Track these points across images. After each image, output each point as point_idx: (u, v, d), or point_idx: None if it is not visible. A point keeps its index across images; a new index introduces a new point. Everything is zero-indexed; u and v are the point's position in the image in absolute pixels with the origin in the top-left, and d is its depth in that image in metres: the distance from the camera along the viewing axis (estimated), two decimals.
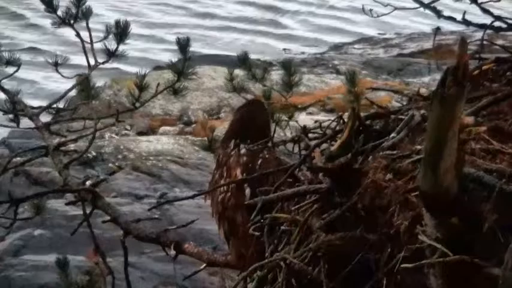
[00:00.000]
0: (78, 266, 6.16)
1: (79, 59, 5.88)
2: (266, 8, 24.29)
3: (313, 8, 24.74)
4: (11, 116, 5.54)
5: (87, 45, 5.65)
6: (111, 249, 5.49)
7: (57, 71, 5.81)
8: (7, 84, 5.67)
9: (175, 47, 5.42)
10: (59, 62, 5.78)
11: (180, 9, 24.19)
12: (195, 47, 6.10)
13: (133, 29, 5.85)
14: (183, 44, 5.37)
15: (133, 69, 7.80)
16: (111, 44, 5.66)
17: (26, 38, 20.61)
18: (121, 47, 5.67)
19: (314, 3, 25.06)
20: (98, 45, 5.67)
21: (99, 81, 7.03)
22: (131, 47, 6.04)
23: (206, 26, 22.39)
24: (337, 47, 20.60)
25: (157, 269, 8.96)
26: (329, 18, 23.59)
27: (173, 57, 5.66)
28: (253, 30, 22.21)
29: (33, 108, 5.58)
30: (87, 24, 5.70)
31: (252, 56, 5.67)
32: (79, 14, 5.66)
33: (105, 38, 5.67)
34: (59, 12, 5.70)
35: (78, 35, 5.67)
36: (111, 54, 5.68)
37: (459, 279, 2.96)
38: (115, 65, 6.17)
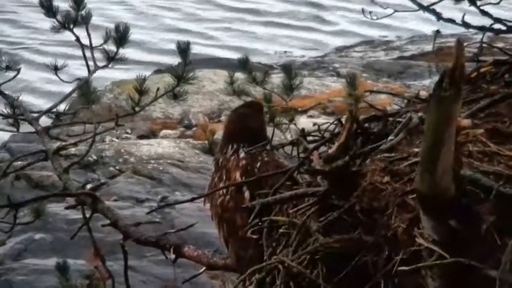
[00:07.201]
0: (79, 270, 6.17)
1: (79, 63, 5.88)
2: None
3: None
4: (10, 120, 5.54)
5: (87, 49, 5.65)
6: (112, 253, 5.50)
7: (56, 74, 5.82)
8: (7, 87, 5.67)
9: (176, 50, 5.43)
10: (58, 65, 5.79)
11: (180, 10, 24.20)
12: (196, 49, 6.10)
13: (134, 32, 5.85)
14: (183, 48, 5.37)
15: (133, 73, 7.81)
16: (111, 47, 5.66)
17: (26, 39, 20.61)
18: (121, 51, 5.67)
19: None
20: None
21: (99, 85, 7.03)
22: (132, 51, 6.04)
23: (208, 27, 22.41)
24: (337, 50, 20.60)
25: (158, 272, 8.96)
26: None
27: (173, 61, 5.66)
28: (254, 32, 22.21)
29: (32, 112, 5.57)
30: (86, 28, 5.70)
31: (252, 59, 5.68)
32: (78, 19, 5.66)
33: (105, 42, 5.67)
34: (59, 17, 5.70)
35: (77, 39, 5.67)
36: (110, 59, 5.68)
37: (457, 281, 2.97)
38: (115, 68, 6.17)
